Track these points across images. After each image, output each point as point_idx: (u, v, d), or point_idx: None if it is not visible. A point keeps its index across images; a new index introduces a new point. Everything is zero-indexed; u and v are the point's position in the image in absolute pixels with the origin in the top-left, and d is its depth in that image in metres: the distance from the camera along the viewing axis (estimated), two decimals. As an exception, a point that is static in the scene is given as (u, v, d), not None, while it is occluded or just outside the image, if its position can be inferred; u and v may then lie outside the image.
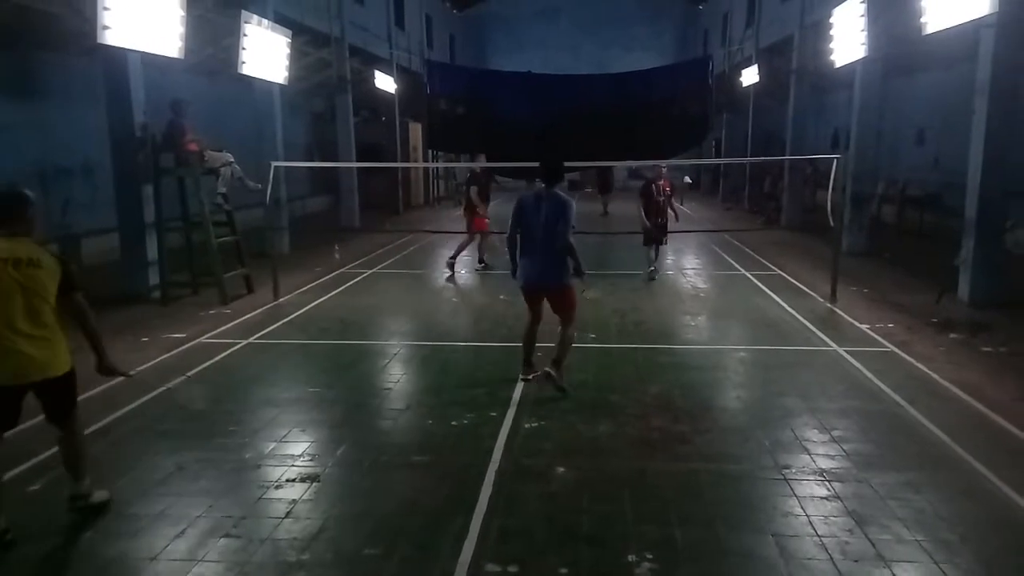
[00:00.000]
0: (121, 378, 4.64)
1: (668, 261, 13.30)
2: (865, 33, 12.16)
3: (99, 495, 4.29)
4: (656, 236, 11.61)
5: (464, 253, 12.58)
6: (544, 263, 6.08)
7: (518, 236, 6.19)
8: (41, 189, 12.06)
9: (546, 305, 6.36)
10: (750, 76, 22.56)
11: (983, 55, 9.37)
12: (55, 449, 4.96)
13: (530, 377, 6.39)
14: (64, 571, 3.73)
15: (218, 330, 8.42)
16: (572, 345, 6.36)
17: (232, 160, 10.22)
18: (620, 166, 30.52)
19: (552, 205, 6.00)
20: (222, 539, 3.95)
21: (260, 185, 10.38)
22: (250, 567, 3.70)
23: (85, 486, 4.22)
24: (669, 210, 11.79)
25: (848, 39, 12.72)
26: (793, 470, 4.76)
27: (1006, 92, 9.24)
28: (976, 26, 8.94)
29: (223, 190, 10.18)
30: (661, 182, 11.59)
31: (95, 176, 12.59)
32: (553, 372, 6.15)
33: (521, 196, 6.21)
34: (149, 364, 7.10)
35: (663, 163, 12.68)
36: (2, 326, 3.83)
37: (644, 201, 11.57)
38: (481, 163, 12.91)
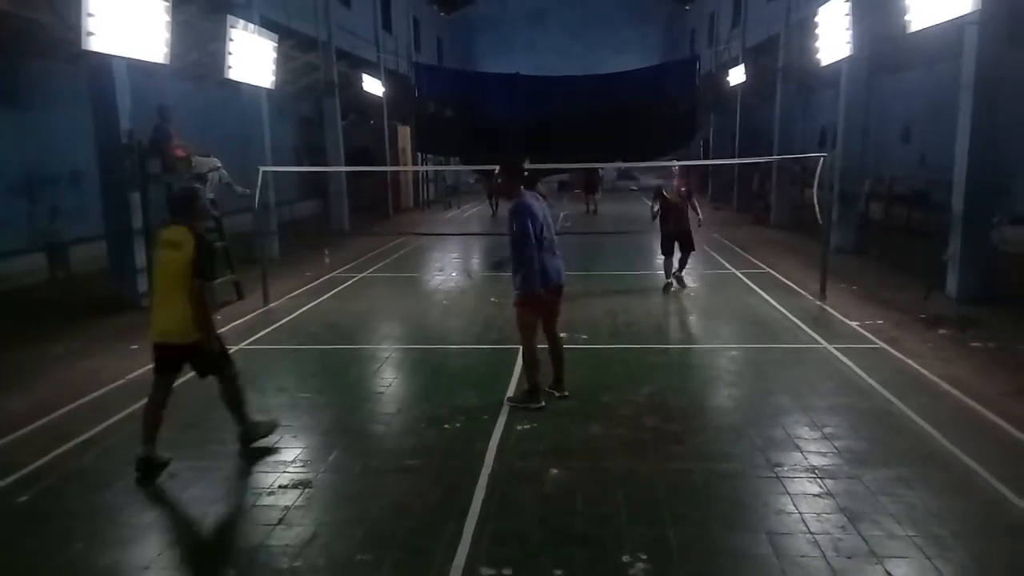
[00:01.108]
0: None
1: (658, 261, 13.28)
2: (850, 32, 12.23)
3: (266, 427, 5.26)
4: (668, 246, 10.69)
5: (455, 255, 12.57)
6: (558, 263, 5.94)
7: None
8: (28, 197, 12.02)
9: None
10: (737, 75, 22.64)
11: (967, 52, 9.44)
12: (43, 460, 4.96)
13: (543, 404, 5.93)
14: (55, 582, 3.70)
15: (208, 336, 8.37)
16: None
17: (219, 165, 10.19)
18: (609, 167, 30.63)
19: (546, 205, 5.98)
20: (215, 547, 3.93)
21: (248, 191, 10.35)
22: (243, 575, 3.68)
23: (248, 426, 5.10)
24: (691, 212, 10.70)
25: (833, 38, 12.78)
26: (785, 468, 4.78)
27: (990, 88, 9.31)
28: (959, 23, 9.01)
29: (211, 196, 10.14)
30: (675, 183, 10.66)
31: (82, 183, 12.53)
32: (566, 391, 6.15)
33: (525, 200, 5.72)
34: (140, 372, 7.04)
35: (675, 163, 12.09)
36: (156, 294, 4.86)
37: (657, 207, 10.74)
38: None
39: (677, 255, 10.80)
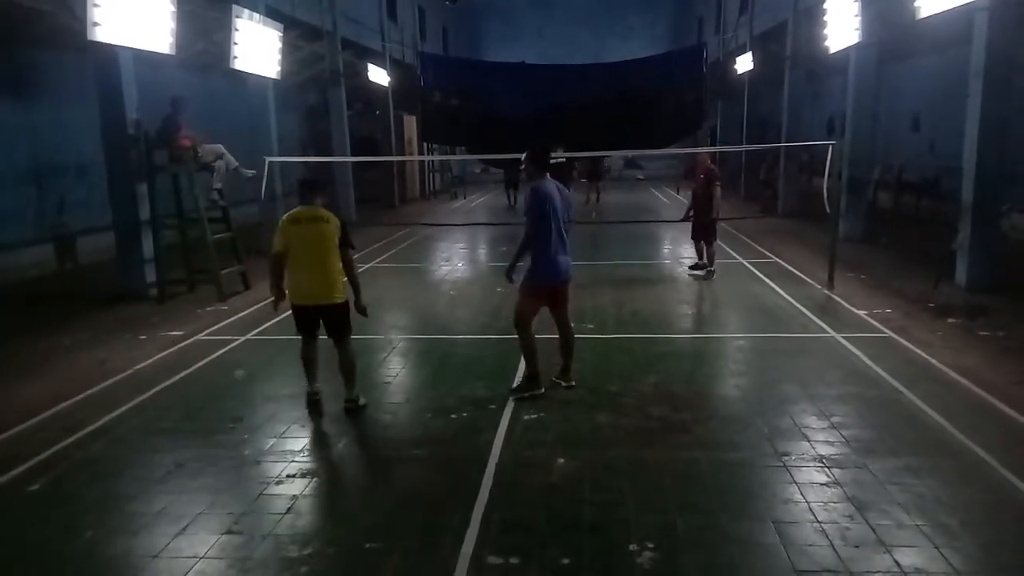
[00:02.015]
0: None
1: (665, 250, 13.29)
2: (859, 18, 12.14)
3: (363, 400, 5.77)
4: (693, 233, 10.89)
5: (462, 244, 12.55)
6: (567, 257, 5.91)
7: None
8: (35, 188, 12.05)
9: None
10: (744, 63, 22.49)
11: (977, 39, 9.35)
12: (53, 450, 5.00)
13: (543, 390, 6.00)
14: (66, 570, 3.72)
15: (215, 327, 8.41)
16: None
17: (223, 152, 10.17)
18: (616, 156, 30.53)
19: (565, 195, 5.92)
20: (224, 536, 3.95)
21: (254, 172, 10.36)
22: (252, 563, 3.71)
23: (354, 393, 5.71)
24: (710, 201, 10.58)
25: (842, 24, 12.69)
26: (793, 457, 4.77)
27: (1001, 75, 9.22)
28: (969, 10, 8.92)
29: (219, 186, 10.14)
30: (696, 169, 10.71)
31: (90, 174, 12.56)
32: (573, 381, 6.16)
33: (544, 186, 5.74)
34: (147, 362, 7.09)
35: (703, 151, 12.11)
36: (299, 263, 5.46)
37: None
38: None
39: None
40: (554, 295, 5.96)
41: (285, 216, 5.59)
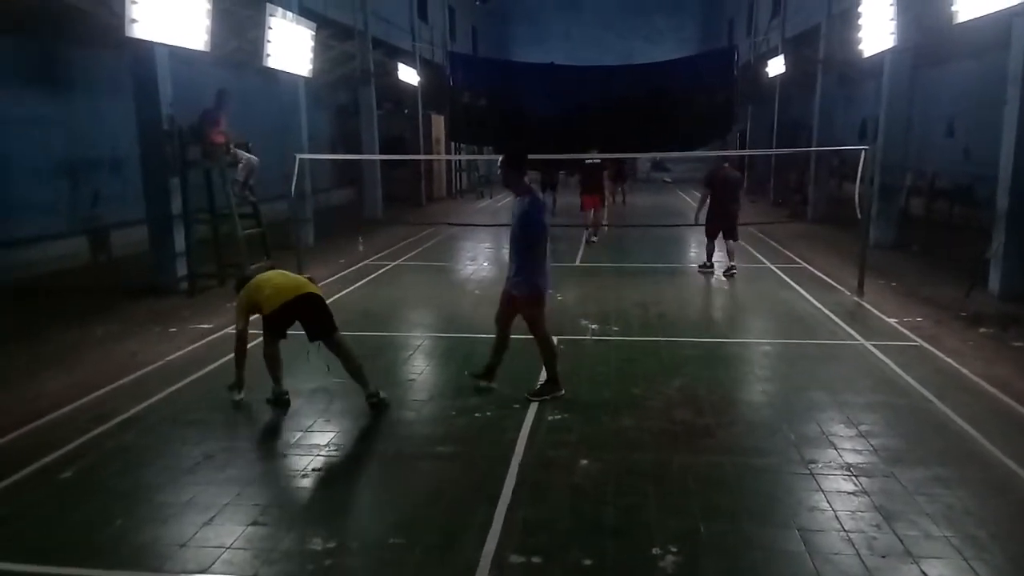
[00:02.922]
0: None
1: (692, 253, 13.23)
2: (894, 22, 11.97)
3: (384, 394, 5.76)
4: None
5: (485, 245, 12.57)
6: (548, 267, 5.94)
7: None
8: (70, 181, 12.27)
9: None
10: (776, 66, 22.30)
11: (1016, 44, 9.18)
12: (84, 438, 5.10)
13: (494, 385, 6.14)
14: (96, 557, 3.78)
15: (244, 321, 8.49)
16: None
17: (255, 164, 10.29)
18: (643, 158, 30.41)
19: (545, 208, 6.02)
20: (250, 527, 4.00)
21: (249, 182, 10.44)
22: (276, 555, 3.75)
23: (371, 389, 5.69)
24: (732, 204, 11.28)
25: (877, 28, 12.54)
26: (819, 464, 4.72)
27: (1039, 82, 9.05)
28: (1008, 14, 8.77)
29: (240, 178, 10.21)
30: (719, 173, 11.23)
31: (124, 169, 12.77)
32: (561, 390, 6.02)
33: (540, 196, 5.94)
34: (178, 354, 7.19)
35: (733, 153, 12.46)
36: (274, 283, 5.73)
37: None
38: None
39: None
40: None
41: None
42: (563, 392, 5.92)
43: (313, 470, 4.69)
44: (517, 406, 5.74)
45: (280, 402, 5.80)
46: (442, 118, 25.24)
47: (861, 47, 13.31)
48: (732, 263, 11.14)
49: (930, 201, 18.11)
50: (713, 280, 11.08)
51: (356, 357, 5.76)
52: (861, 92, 22.01)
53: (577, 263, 12.68)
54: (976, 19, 8.77)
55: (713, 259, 11.57)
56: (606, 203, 16.25)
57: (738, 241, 11.48)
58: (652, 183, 32.51)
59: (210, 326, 8.23)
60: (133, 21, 7.82)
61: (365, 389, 5.72)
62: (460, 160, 28.80)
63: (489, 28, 38.16)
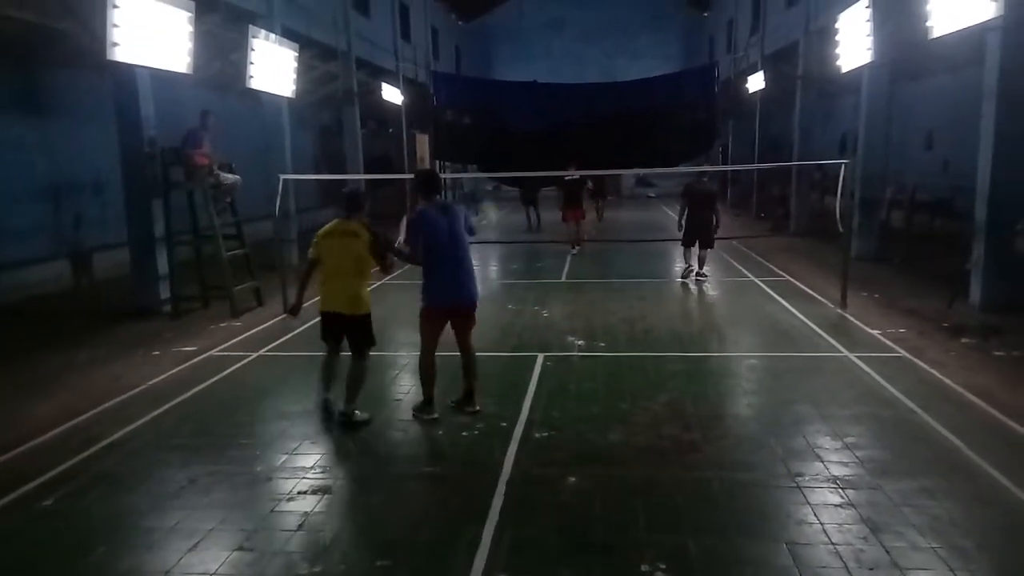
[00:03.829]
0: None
1: (676, 268, 13.30)
2: (871, 38, 12.14)
3: (360, 415, 5.81)
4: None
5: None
6: (462, 281, 5.74)
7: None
8: (52, 205, 12.19)
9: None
10: (756, 82, 22.53)
11: (990, 58, 9.34)
12: (67, 464, 5.02)
13: (436, 415, 5.91)
14: (78, 585, 3.73)
15: (229, 343, 8.45)
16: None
17: (238, 185, 10.30)
18: (627, 174, 30.57)
19: (454, 216, 5.74)
20: (235, 552, 3.96)
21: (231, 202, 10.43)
22: (263, 580, 3.71)
23: (351, 408, 5.77)
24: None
25: (854, 44, 12.69)
26: (806, 478, 4.73)
27: (1014, 95, 9.19)
28: (982, 29, 8.92)
29: (225, 181, 10.18)
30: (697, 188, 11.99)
31: (106, 191, 12.70)
32: (477, 406, 5.98)
33: (425, 210, 5.69)
34: (161, 378, 7.13)
35: (714, 169, 12.99)
36: (329, 274, 5.76)
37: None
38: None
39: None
40: (445, 319, 5.86)
41: (321, 229, 5.85)
42: (435, 416, 5.86)
43: (299, 493, 4.65)
44: (504, 424, 5.72)
45: (323, 409, 6.00)
46: (426, 137, 25.31)
47: (839, 63, 13.46)
48: (702, 270, 11.94)
49: (911, 213, 18.30)
50: (698, 293, 11.14)
51: (360, 377, 5.88)
52: (840, 107, 22.26)
53: (563, 279, 12.71)
54: (951, 34, 8.90)
55: (692, 263, 12.02)
56: (586, 218, 16.57)
57: (712, 248, 12.04)
58: (637, 199, 32.68)
59: (194, 348, 8.17)
60: (114, 44, 7.79)
61: (344, 404, 5.81)
62: (445, 178, 28.84)
63: (472, 47, 38.39)
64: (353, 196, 5.92)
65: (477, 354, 6.09)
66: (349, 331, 5.84)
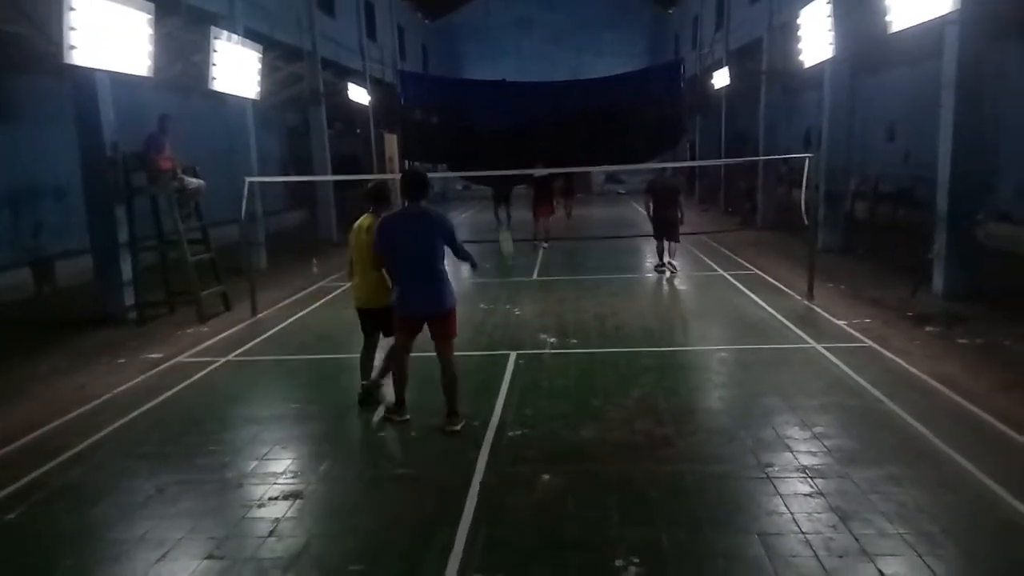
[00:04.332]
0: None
1: (647, 263, 13.39)
2: (832, 33, 12.31)
3: (380, 394, 6.21)
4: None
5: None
6: (426, 292, 5.51)
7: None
8: (11, 212, 11.93)
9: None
10: (721, 78, 22.75)
11: (948, 51, 9.52)
12: (30, 477, 4.92)
13: (408, 417, 5.82)
14: (43, 600, 3.65)
15: (196, 349, 8.33)
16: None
17: (202, 188, 10.18)
18: (596, 171, 30.71)
19: (425, 224, 5.47)
20: (205, 560, 3.90)
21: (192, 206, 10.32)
22: (234, 588, 3.66)
23: (375, 382, 6.22)
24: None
25: (816, 40, 12.87)
26: (776, 468, 4.78)
27: (972, 86, 9.39)
28: (940, 23, 9.08)
29: (189, 185, 10.04)
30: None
31: (67, 197, 12.46)
32: (456, 426, 5.59)
33: (384, 221, 5.59)
34: (127, 386, 7.01)
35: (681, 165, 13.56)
36: (357, 271, 6.06)
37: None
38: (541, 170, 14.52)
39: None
40: (416, 328, 5.67)
41: (354, 226, 6.13)
42: (406, 418, 5.79)
43: (270, 499, 4.60)
44: (477, 423, 5.71)
45: (361, 395, 6.25)
46: (395, 136, 25.18)
47: (802, 58, 13.65)
48: (671, 262, 12.27)
49: (874, 205, 18.58)
50: (668, 288, 11.22)
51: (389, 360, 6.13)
52: (804, 102, 22.56)
53: (534, 277, 12.72)
54: (910, 28, 9.06)
55: (664, 258, 12.30)
56: (555, 213, 16.77)
57: (679, 243, 12.41)
58: (606, 195, 32.83)
59: (160, 355, 8.04)
60: (72, 48, 7.62)
61: (375, 375, 6.25)
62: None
63: (439, 46, 38.28)
64: (373, 192, 6.20)
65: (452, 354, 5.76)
66: (377, 321, 6.09)
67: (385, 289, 5.86)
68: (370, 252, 5.75)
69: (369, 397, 6.19)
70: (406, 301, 5.57)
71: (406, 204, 5.54)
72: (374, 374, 6.26)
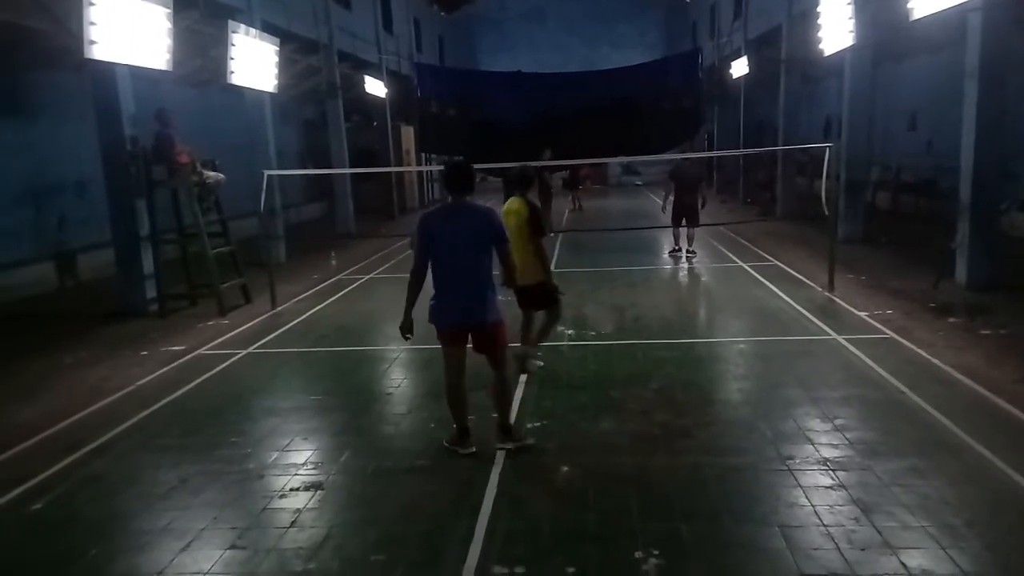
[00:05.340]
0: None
1: (664, 255, 13.33)
2: (853, 20, 12.16)
3: (535, 363, 6.69)
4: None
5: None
6: (465, 297, 4.88)
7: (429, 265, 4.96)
8: (34, 206, 12.07)
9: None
10: (740, 67, 22.55)
11: (971, 39, 9.37)
12: (55, 468, 4.99)
13: (473, 450, 5.07)
14: (70, 589, 3.71)
15: (217, 341, 8.41)
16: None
17: (221, 183, 10.22)
18: (613, 162, 30.57)
19: (472, 223, 4.86)
20: (228, 551, 3.94)
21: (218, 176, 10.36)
22: (257, 578, 3.69)
23: (533, 351, 6.71)
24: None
25: (836, 27, 12.72)
26: (797, 460, 4.76)
27: (995, 75, 9.24)
28: (963, 10, 8.95)
29: (208, 179, 10.08)
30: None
31: (89, 191, 12.59)
32: (511, 443, 5.07)
33: (428, 213, 5.07)
34: (149, 378, 7.09)
35: (700, 155, 13.96)
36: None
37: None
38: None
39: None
40: (460, 341, 5.01)
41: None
42: (471, 451, 5.04)
43: (291, 490, 4.64)
44: (496, 415, 5.70)
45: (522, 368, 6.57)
46: (411, 129, 25.19)
47: (822, 46, 13.49)
48: (691, 248, 12.78)
49: (896, 194, 18.40)
50: (686, 280, 11.17)
51: (544, 326, 6.69)
52: (824, 90, 22.33)
53: (552, 268, 12.67)
54: (932, 15, 8.93)
55: (681, 244, 12.92)
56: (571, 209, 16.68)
57: (698, 226, 12.87)
58: (624, 187, 32.70)
59: (182, 348, 8.12)
60: (92, 42, 7.69)
61: (528, 351, 6.66)
62: (431, 170, 28.75)
63: (455, 38, 38.20)
64: (517, 176, 6.55)
65: (468, 347, 5.22)
66: (533, 296, 6.42)
67: (538, 264, 6.26)
68: (521, 231, 6.12)
69: (526, 367, 6.56)
70: (450, 313, 4.89)
71: (449, 199, 4.97)
72: (530, 342, 6.68)
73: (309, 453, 5.22)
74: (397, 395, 6.49)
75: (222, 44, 11.19)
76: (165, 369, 7.37)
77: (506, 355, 5.22)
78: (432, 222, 4.91)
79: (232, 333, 8.77)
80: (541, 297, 6.42)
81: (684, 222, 12.64)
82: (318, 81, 18.75)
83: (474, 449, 5.04)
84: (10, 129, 11.64)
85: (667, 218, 13.13)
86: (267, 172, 10.57)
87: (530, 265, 6.17)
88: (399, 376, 7.06)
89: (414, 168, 26.30)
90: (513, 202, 6.35)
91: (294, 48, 16.28)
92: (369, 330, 9.13)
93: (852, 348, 7.14)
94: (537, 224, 6.24)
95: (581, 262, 13.25)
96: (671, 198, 12.80)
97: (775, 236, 15.00)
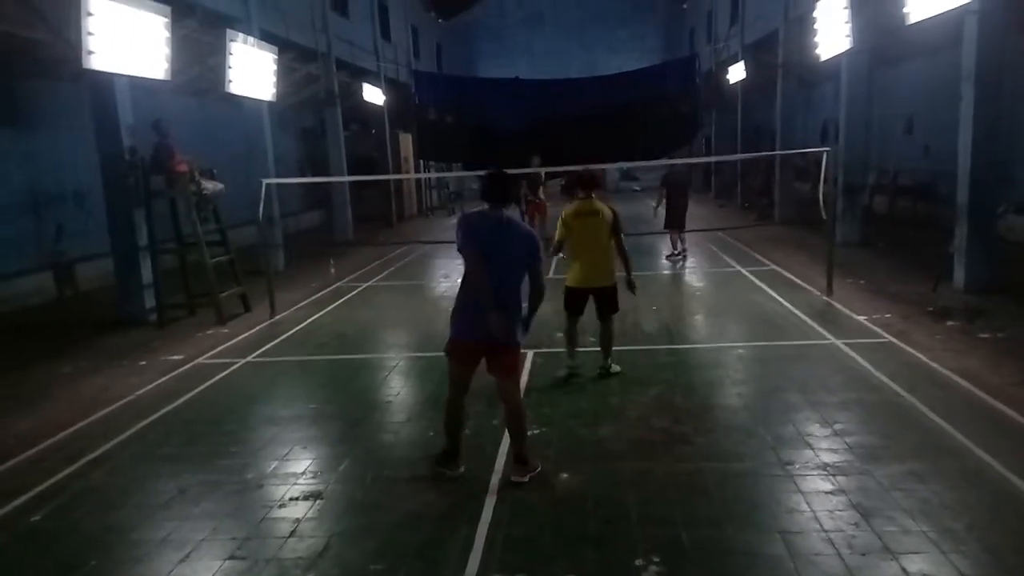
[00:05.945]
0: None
1: (663, 261, 13.35)
2: (849, 25, 12.21)
3: (615, 368, 6.76)
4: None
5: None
6: (491, 310, 4.46)
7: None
8: (33, 216, 12.07)
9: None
10: (737, 72, 22.62)
11: (967, 42, 9.40)
12: (54, 479, 4.97)
13: (462, 470, 4.85)
14: (69, 601, 3.70)
15: (216, 350, 8.40)
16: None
17: (219, 190, 10.22)
18: (611, 168, 30.60)
19: (512, 235, 4.61)
20: (227, 561, 3.93)
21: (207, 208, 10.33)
22: (256, 588, 3.68)
23: (608, 361, 6.78)
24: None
25: (832, 32, 12.77)
26: (797, 466, 4.75)
27: (992, 78, 9.27)
28: (959, 13, 8.98)
29: (207, 188, 10.07)
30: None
31: (87, 201, 12.58)
32: (528, 474, 4.73)
33: (468, 214, 4.78)
34: (148, 388, 7.07)
35: (698, 160, 14.65)
36: (578, 252, 6.56)
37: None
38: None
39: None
40: (474, 358, 4.70)
41: (569, 210, 6.52)
42: (459, 472, 4.82)
43: (291, 499, 4.63)
44: (495, 423, 5.70)
45: (569, 376, 6.75)
46: (410, 136, 25.24)
47: (818, 51, 13.54)
48: (681, 249, 13.45)
49: (893, 198, 18.42)
50: (685, 285, 11.18)
51: (612, 335, 6.84)
52: (821, 94, 22.38)
53: (551, 275, 12.69)
54: (928, 19, 8.96)
55: (678, 247, 13.47)
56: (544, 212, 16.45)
57: (684, 231, 13.60)
58: (622, 192, 32.68)
59: (181, 357, 8.11)
60: (90, 52, 7.71)
61: (603, 359, 6.80)
62: (429, 178, 28.78)
63: (453, 45, 38.30)
64: (587, 177, 6.71)
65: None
66: (600, 299, 6.61)
67: (611, 267, 6.56)
68: (595, 231, 6.37)
69: (608, 374, 6.71)
70: (467, 321, 4.62)
71: (486, 207, 4.69)
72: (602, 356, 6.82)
73: (308, 462, 5.21)
74: (396, 403, 6.48)
75: (220, 53, 11.22)
76: (164, 379, 7.36)
77: (518, 383, 5.00)
78: (481, 232, 4.59)
79: (231, 342, 8.76)
80: (609, 301, 6.65)
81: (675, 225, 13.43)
82: (316, 89, 18.80)
83: (463, 470, 4.83)
84: (8, 139, 11.64)
85: (660, 222, 13.76)
86: (265, 181, 10.59)
87: (604, 267, 6.53)
88: (398, 384, 7.05)
89: (412, 176, 26.32)
90: (593, 203, 6.51)
91: (292, 56, 16.33)
92: (368, 338, 9.13)
93: (851, 352, 7.15)
94: (618, 225, 6.55)
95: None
96: (663, 203, 13.51)
97: (773, 240, 15.01)
